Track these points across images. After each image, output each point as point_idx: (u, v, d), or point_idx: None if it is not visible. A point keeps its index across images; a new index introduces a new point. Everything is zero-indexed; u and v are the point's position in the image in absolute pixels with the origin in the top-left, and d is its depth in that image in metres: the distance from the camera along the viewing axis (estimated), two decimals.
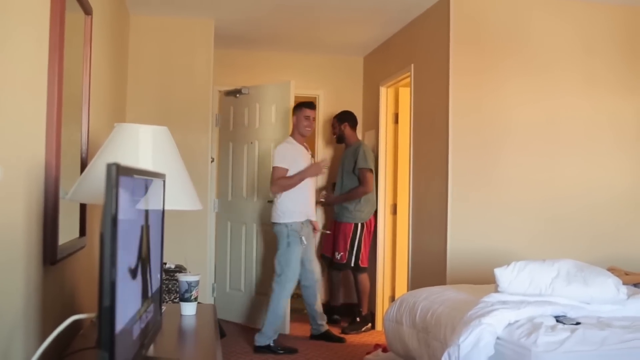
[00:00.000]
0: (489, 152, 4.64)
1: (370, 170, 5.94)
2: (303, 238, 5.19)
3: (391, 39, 6.01)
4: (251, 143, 6.13)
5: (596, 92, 4.82)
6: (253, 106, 6.19)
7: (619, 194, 4.84)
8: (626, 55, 4.88)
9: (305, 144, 5.40)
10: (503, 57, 4.68)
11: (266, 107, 6.07)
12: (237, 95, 6.26)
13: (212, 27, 5.50)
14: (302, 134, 5.32)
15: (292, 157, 5.20)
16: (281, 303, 5.20)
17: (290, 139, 5.35)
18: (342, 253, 5.99)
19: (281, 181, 5.12)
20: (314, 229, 5.46)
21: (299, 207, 5.21)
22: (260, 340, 5.17)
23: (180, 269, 4.56)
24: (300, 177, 5.14)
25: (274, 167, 5.19)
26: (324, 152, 6.93)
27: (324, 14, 5.29)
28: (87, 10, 2.91)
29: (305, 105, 5.34)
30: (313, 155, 5.58)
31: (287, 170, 5.16)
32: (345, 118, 6.20)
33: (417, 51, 5.29)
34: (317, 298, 5.53)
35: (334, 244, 6.14)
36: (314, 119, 5.38)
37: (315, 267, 5.46)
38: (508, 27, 4.71)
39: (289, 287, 5.22)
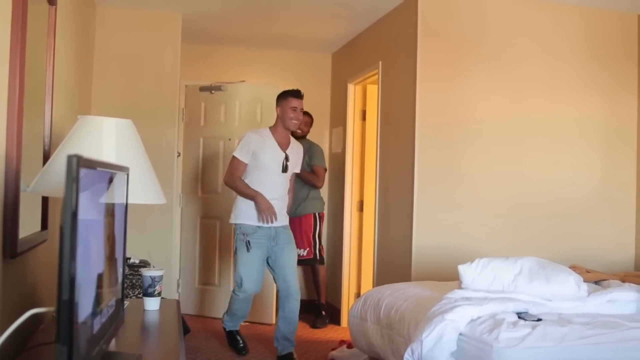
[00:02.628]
0: (455, 149, 4.68)
1: (325, 169, 6.10)
2: (249, 243, 4.58)
3: (359, 36, 6.02)
4: (229, 140, 6.12)
5: (560, 91, 4.88)
6: (232, 103, 6.24)
7: (582, 193, 4.91)
8: (589, 56, 4.96)
9: (291, 137, 4.81)
10: (470, 56, 4.72)
11: (248, 105, 6.11)
12: (213, 91, 6.25)
13: (180, 21, 5.45)
14: (287, 127, 4.66)
15: (254, 149, 4.60)
16: (232, 313, 4.84)
17: (263, 130, 4.75)
18: (307, 249, 5.99)
19: (234, 178, 4.63)
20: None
21: (253, 209, 4.61)
22: (225, 323, 4.98)
23: (144, 264, 4.52)
24: (250, 196, 4.58)
25: (232, 156, 4.70)
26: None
27: (292, 10, 5.28)
28: (52, 1, 2.87)
29: (291, 94, 4.68)
30: (286, 158, 4.72)
31: (244, 164, 4.63)
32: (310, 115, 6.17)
33: (385, 48, 5.31)
34: (291, 316, 4.69)
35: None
36: (302, 110, 4.71)
37: (288, 275, 4.71)
38: (475, 25, 4.75)
39: (240, 299, 4.71)
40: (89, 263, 1.54)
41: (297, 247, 5.95)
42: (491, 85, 4.75)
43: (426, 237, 4.59)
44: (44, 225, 2.73)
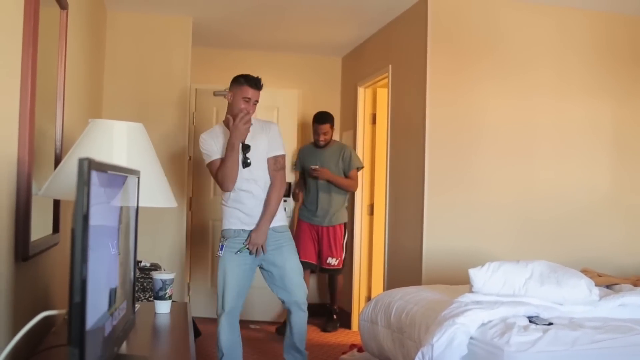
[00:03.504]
0: (465, 152, 4.67)
1: (359, 168, 5.95)
2: (221, 247, 3.97)
3: (369, 40, 6.02)
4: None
5: (571, 94, 4.87)
6: None
7: (593, 196, 4.89)
8: (600, 60, 4.93)
9: (252, 119, 3.97)
10: (480, 59, 4.71)
11: (264, 111, 6.19)
12: (226, 96, 6.30)
13: (190, 25, 5.47)
14: (236, 115, 3.83)
15: (211, 147, 3.96)
16: (220, 339, 3.95)
17: (214, 128, 4.12)
18: (338, 258, 5.94)
19: (220, 173, 3.88)
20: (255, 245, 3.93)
21: (233, 212, 3.99)
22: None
23: (155, 267, 4.54)
24: (228, 153, 3.81)
25: (207, 167, 4.07)
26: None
27: (302, 14, 5.29)
28: (63, 5, 2.88)
29: (248, 82, 3.90)
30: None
31: (217, 160, 3.94)
32: (333, 120, 5.99)
33: (395, 52, 5.30)
34: (300, 327, 4.07)
35: (320, 249, 5.92)
36: (256, 103, 3.92)
37: (290, 285, 4.01)
38: (485, 30, 4.74)
39: (222, 324, 3.93)
40: (101, 266, 1.54)
41: (331, 256, 5.90)
42: (501, 90, 4.73)
43: (437, 240, 4.58)
44: (56, 228, 2.74)
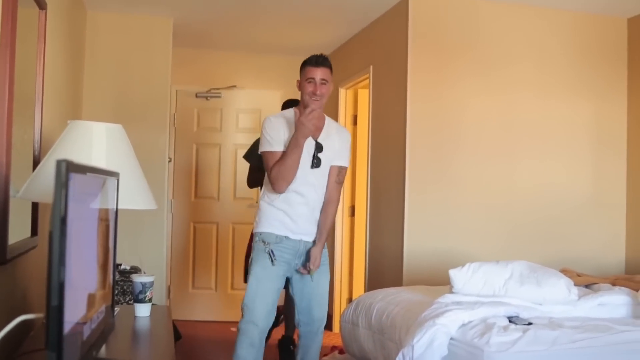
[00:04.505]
0: (446, 153, 4.68)
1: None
2: (273, 253, 3.39)
3: (350, 41, 6.03)
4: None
5: (551, 94, 4.90)
6: (228, 110, 6.46)
7: (573, 196, 4.92)
8: (579, 60, 4.97)
9: (328, 120, 3.62)
10: (460, 59, 4.73)
11: (246, 113, 6.23)
12: (209, 98, 6.38)
13: (171, 26, 5.44)
14: (306, 106, 3.39)
15: (278, 134, 3.43)
16: (237, 353, 3.41)
17: (288, 112, 3.56)
18: None
19: (275, 169, 3.35)
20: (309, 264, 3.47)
21: (277, 214, 3.44)
22: None
23: (135, 270, 4.51)
24: (291, 149, 3.30)
25: (262, 155, 3.51)
26: None
27: (283, 16, 5.28)
28: (42, 5, 2.86)
29: (307, 62, 3.50)
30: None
31: (278, 153, 3.39)
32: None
33: (376, 53, 5.31)
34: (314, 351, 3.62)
35: None
36: (325, 81, 3.43)
37: (316, 309, 3.55)
38: (465, 28, 4.76)
39: (247, 330, 3.40)
40: (79, 269, 1.53)
41: None
42: (482, 88, 4.76)
43: (417, 241, 4.59)
44: (34, 231, 2.72)
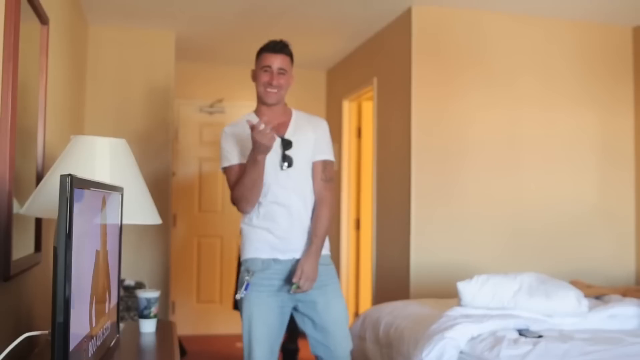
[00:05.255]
0: (452, 165, 4.66)
1: None
2: (246, 286, 2.87)
3: (354, 53, 6.02)
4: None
5: (556, 105, 4.87)
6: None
7: (581, 207, 4.89)
8: (584, 70, 4.95)
9: (295, 112, 3.12)
10: (464, 72, 4.72)
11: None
12: (212, 112, 6.42)
13: (173, 40, 5.44)
14: (262, 101, 3.02)
15: (233, 146, 2.97)
16: None
17: (242, 120, 3.05)
18: None
19: (236, 189, 2.90)
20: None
21: (260, 234, 2.94)
22: None
23: (139, 285, 4.48)
24: (249, 167, 2.79)
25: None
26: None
27: (286, 28, 5.27)
28: (44, 20, 2.85)
29: (264, 48, 3.03)
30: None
31: (237, 167, 2.95)
32: None
33: (380, 65, 5.30)
34: None
35: None
36: (283, 70, 2.99)
37: (333, 343, 2.96)
38: (469, 41, 4.74)
39: None
40: (84, 285, 1.50)
41: None
42: (487, 101, 4.74)
43: (424, 254, 4.55)
44: (38, 247, 2.69)
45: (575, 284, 3.87)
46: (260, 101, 3.01)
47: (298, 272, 2.80)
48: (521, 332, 3.04)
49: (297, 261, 2.88)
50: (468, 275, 3.51)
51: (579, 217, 4.87)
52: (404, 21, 4.75)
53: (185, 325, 6.19)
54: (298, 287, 2.80)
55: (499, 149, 4.74)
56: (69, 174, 1.28)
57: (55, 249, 1.25)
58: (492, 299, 3.29)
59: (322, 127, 3.13)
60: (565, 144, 4.88)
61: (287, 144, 2.94)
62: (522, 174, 4.78)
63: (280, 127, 3.00)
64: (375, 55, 5.44)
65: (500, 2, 4.58)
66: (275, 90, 2.96)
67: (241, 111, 6.42)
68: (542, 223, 4.79)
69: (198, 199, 6.51)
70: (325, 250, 3.02)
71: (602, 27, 4.98)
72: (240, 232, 3.05)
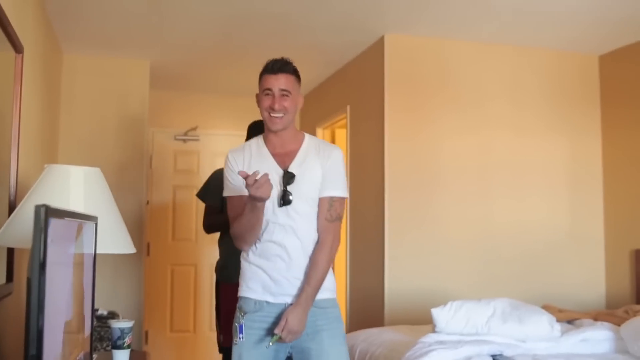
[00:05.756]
0: (425, 191, 4.69)
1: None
2: (241, 328, 2.58)
3: (327, 81, 6.07)
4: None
5: (526, 131, 4.94)
6: (206, 153, 6.55)
7: (551, 232, 4.94)
8: (553, 97, 5.04)
9: (307, 138, 2.81)
10: (436, 98, 4.77)
11: (224, 156, 6.26)
12: (186, 140, 6.42)
13: (148, 68, 5.44)
14: (267, 127, 2.69)
15: (237, 176, 2.59)
16: None
17: (250, 144, 2.80)
18: None
19: (234, 225, 2.64)
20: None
21: (255, 272, 2.64)
22: None
23: (112, 315, 4.43)
24: (247, 211, 2.51)
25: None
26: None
27: (259, 57, 5.25)
28: (18, 49, 2.85)
29: (264, 70, 2.75)
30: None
31: (236, 198, 2.66)
32: None
33: (353, 93, 5.35)
34: None
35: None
36: (286, 92, 2.65)
37: None
38: (439, 68, 4.81)
39: None
40: (57, 316, 1.50)
41: None
42: (458, 127, 4.79)
43: (398, 280, 4.57)
44: (10, 277, 2.66)
45: (548, 308, 3.90)
46: (266, 127, 2.69)
47: (282, 323, 2.49)
48: (495, 358, 3.06)
49: (289, 307, 2.55)
50: (442, 301, 3.53)
51: (550, 242, 4.93)
52: (377, 49, 4.81)
53: (159, 355, 6.12)
54: (280, 338, 2.49)
55: (471, 175, 4.79)
56: (44, 204, 1.28)
57: (29, 279, 1.24)
58: (466, 325, 3.31)
59: (333, 158, 2.74)
60: (535, 170, 4.95)
61: (289, 178, 2.62)
62: (494, 198, 4.83)
63: (287, 157, 2.68)
64: (349, 83, 5.49)
65: (470, 32, 4.66)
66: (279, 115, 2.63)
67: (216, 140, 6.48)
68: (514, 248, 4.83)
69: (172, 228, 6.48)
70: (329, 294, 2.73)
71: (570, 55, 5.08)
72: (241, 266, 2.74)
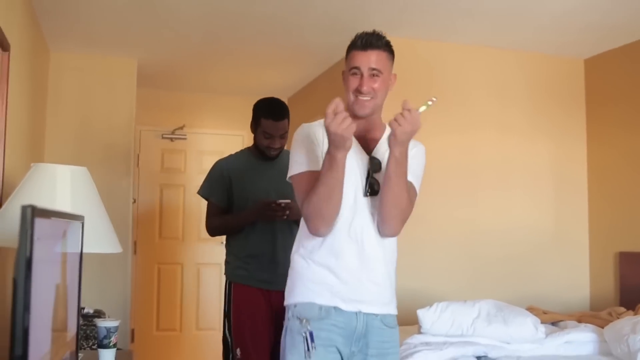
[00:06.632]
0: None
1: None
2: (311, 336, 2.13)
3: (315, 81, 6.08)
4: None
5: (511, 133, 4.97)
6: (193, 152, 6.54)
7: (536, 234, 4.97)
8: (538, 100, 5.07)
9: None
10: (421, 98, 4.75)
11: (211, 155, 6.29)
12: (173, 139, 6.41)
13: (135, 67, 5.42)
14: (352, 112, 2.36)
15: (315, 148, 2.32)
16: None
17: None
18: None
19: (307, 202, 2.17)
20: None
21: (319, 272, 2.24)
22: None
23: (99, 313, 4.42)
24: (325, 169, 2.12)
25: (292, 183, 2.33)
26: None
27: (247, 57, 5.31)
28: (5, 47, 2.84)
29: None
30: None
31: (315, 173, 2.21)
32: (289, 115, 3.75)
33: (341, 93, 5.32)
34: None
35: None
36: (377, 72, 2.39)
37: None
38: (425, 69, 4.81)
39: None
40: (43, 316, 1.49)
41: None
42: (443, 128, 4.80)
43: None
44: None
45: (532, 310, 3.93)
46: (350, 112, 2.31)
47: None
48: (480, 359, 3.08)
49: (362, 316, 2.20)
50: (428, 302, 3.54)
51: (535, 244, 4.95)
52: None
53: (145, 354, 6.10)
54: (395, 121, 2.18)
55: (456, 176, 4.81)
56: (30, 204, 1.28)
57: (14, 280, 1.24)
58: (452, 326, 3.33)
59: (417, 148, 2.52)
60: (520, 171, 4.98)
61: (375, 165, 2.32)
62: (479, 200, 4.85)
63: (370, 143, 2.39)
64: (337, 83, 5.47)
65: (456, 34, 4.69)
66: (367, 98, 2.33)
67: (203, 138, 6.48)
68: (499, 249, 4.85)
69: (159, 226, 6.47)
70: (392, 309, 2.39)
71: (555, 58, 5.12)
72: (291, 267, 2.32)
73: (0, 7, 2.75)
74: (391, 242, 2.39)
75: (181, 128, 6.49)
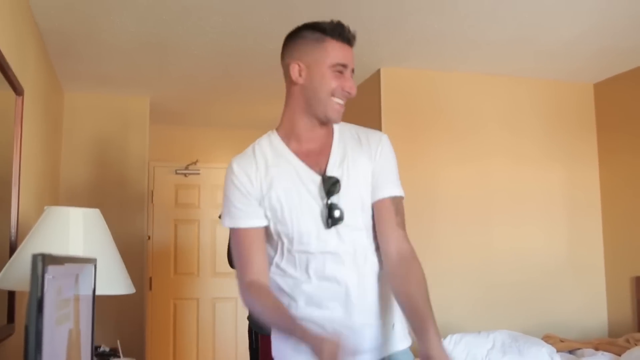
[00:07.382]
0: (423, 221, 4.70)
1: None
2: None
3: None
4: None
5: (523, 160, 4.96)
6: (206, 187, 6.58)
7: (551, 260, 4.94)
8: (549, 126, 5.07)
9: (336, 129, 2.14)
10: (432, 130, 4.81)
11: (219, 189, 6.31)
12: (187, 174, 6.46)
13: (148, 104, 5.50)
14: (322, 117, 2.02)
15: (246, 197, 1.88)
16: None
17: (254, 148, 2.07)
18: None
19: (241, 281, 1.87)
20: None
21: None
22: None
23: (114, 352, 4.42)
24: (297, 333, 1.71)
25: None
26: None
27: (257, 91, 5.36)
28: (18, 92, 2.89)
29: (330, 32, 1.90)
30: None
31: (246, 230, 1.87)
32: None
33: (354, 120, 5.36)
34: None
35: None
36: (353, 71, 1.99)
37: None
38: (435, 99, 4.83)
39: None
40: (56, 357, 1.51)
41: None
42: (456, 156, 4.82)
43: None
44: (11, 318, 2.68)
45: (549, 338, 3.90)
46: (317, 118, 1.96)
47: None
48: None
49: None
50: (442, 332, 3.50)
51: (550, 270, 4.92)
52: (373, 82, 4.86)
53: None
54: None
55: (469, 204, 4.80)
56: (41, 253, 1.31)
57: (26, 327, 1.26)
58: (466, 358, 3.31)
59: (382, 145, 2.11)
60: (533, 198, 4.96)
61: (332, 185, 1.85)
62: (492, 227, 4.84)
63: (319, 157, 1.94)
64: (346, 115, 5.48)
65: (465, 64, 4.71)
66: (343, 102, 1.99)
67: (216, 173, 6.50)
68: (514, 277, 4.82)
69: (174, 262, 6.49)
70: (408, 340, 2.07)
71: (565, 84, 5.12)
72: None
73: (13, 51, 2.81)
74: (373, 262, 1.96)
75: (194, 163, 6.55)
